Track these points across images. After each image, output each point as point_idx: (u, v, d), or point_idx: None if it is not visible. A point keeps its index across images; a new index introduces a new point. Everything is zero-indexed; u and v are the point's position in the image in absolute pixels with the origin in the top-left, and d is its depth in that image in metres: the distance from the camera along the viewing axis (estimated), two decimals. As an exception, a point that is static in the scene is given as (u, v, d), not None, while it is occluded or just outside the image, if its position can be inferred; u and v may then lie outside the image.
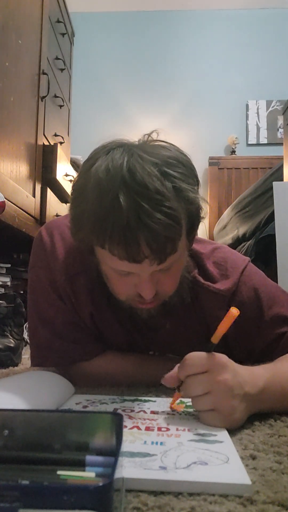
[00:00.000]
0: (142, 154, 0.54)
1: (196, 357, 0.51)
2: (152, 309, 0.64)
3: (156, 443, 0.43)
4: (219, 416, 0.49)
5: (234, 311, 0.53)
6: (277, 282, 1.30)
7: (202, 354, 0.51)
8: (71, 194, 0.61)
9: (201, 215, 0.61)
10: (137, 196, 0.51)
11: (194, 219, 0.60)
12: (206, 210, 0.62)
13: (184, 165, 0.57)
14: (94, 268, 0.66)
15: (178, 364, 0.54)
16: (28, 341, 1.35)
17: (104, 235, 0.53)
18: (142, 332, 0.74)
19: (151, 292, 0.59)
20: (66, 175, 1.97)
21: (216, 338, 0.53)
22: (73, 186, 0.61)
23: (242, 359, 0.60)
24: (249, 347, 0.74)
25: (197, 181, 0.60)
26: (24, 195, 1.48)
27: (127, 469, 0.37)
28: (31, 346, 0.76)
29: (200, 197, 0.59)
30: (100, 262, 0.62)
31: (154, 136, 0.61)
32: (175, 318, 0.72)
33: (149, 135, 0.61)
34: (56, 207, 1.89)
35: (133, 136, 0.62)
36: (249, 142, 3.35)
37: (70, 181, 2.02)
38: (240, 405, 0.50)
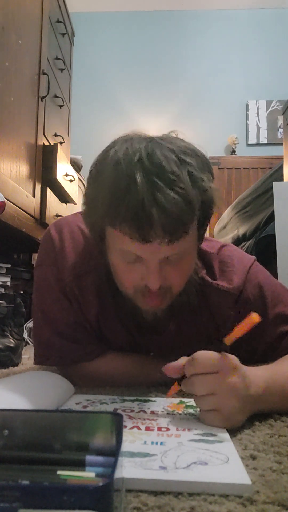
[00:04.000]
0: (160, 142, 0.56)
1: (207, 356, 0.51)
2: (158, 310, 0.63)
3: (156, 443, 0.43)
4: (220, 417, 0.49)
5: (254, 317, 0.51)
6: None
7: (214, 354, 0.51)
8: (88, 179, 0.62)
9: (214, 208, 0.61)
10: (153, 176, 0.53)
11: (207, 210, 0.60)
12: (219, 204, 0.62)
13: (199, 157, 0.58)
14: (103, 267, 0.66)
15: (185, 357, 0.53)
16: (29, 341, 1.35)
17: (118, 212, 0.54)
18: (145, 334, 0.73)
19: (158, 281, 0.58)
20: (66, 175, 1.97)
21: (229, 339, 0.52)
22: (90, 172, 0.62)
23: (245, 359, 0.60)
24: (252, 346, 0.74)
25: (212, 174, 0.60)
26: (24, 195, 1.48)
27: (127, 469, 0.37)
28: (34, 344, 0.77)
29: (215, 189, 0.59)
30: (109, 249, 0.62)
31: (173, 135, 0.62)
32: (179, 320, 0.72)
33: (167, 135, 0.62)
34: (56, 207, 1.89)
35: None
36: (249, 142, 3.36)
37: (70, 181, 2.02)
38: (242, 407, 0.50)
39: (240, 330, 0.52)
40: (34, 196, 1.62)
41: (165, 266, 0.58)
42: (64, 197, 2.02)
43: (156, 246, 0.55)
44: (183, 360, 0.54)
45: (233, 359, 0.51)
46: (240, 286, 0.72)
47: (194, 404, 0.58)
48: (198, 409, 0.55)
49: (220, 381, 0.49)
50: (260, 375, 0.55)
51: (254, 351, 0.74)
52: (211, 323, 0.72)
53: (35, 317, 0.76)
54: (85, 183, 0.63)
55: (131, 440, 0.44)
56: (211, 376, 0.49)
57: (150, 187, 0.52)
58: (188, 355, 0.57)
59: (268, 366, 0.61)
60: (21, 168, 1.48)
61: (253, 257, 0.78)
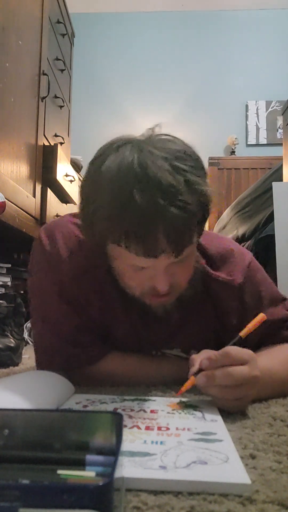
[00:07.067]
0: (151, 149, 0.55)
1: (240, 350, 0.56)
2: (168, 304, 0.65)
3: (156, 442, 0.43)
4: (241, 404, 0.56)
5: (263, 316, 0.63)
6: (276, 282, 1.31)
7: (243, 349, 0.56)
8: (81, 193, 0.61)
9: (210, 207, 0.62)
10: (151, 192, 0.52)
11: (205, 211, 0.61)
12: (214, 200, 0.63)
13: (192, 157, 0.58)
14: (102, 263, 0.66)
15: (200, 355, 0.59)
16: (29, 340, 1.35)
17: (120, 232, 0.55)
18: (150, 324, 0.73)
19: (166, 284, 0.60)
20: (66, 175, 1.97)
21: (245, 334, 0.62)
22: (82, 185, 0.61)
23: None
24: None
25: (205, 172, 0.61)
26: (25, 195, 1.48)
27: (127, 469, 0.37)
28: (36, 352, 0.76)
29: (209, 189, 0.60)
30: (112, 259, 0.63)
31: (157, 130, 0.61)
32: (183, 310, 0.72)
33: (152, 129, 0.61)
34: (56, 207, 1.89)
35: (134, 136, 0.62)
36: (249, 143, 3.36)
37: (70, 181, 2.02)
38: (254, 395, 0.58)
39: (252, 326, 0.62)
40: (34, 196, 1.62)
41: (171, 266, 0.60)
42: (64, 197, 2.02)
43: (162, 258, 0.57)
44: (199, 357, 0.58)
45: (252, 352, 0.57)
46: (240, 282, 0.73)
47: (194, 404, 0.58)
48: (198, 408, 0.56)
49: (251, 373, 0.54)
50: None
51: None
52: (213, 313, 0.73)
53: (35, 325, 0.75)
54: (80, 198, 0.62)
55: (131, 439, 0.44)
56: (244, 367, 0.54)
57: (150, 205, 0.52)
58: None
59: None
60: (22, 169, 1.48)
61: (251, 253, 0.80)
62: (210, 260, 0.74)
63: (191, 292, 0.68)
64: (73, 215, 0.75)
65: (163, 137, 0.59)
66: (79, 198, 0.62)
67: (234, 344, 0.59)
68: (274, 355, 0.70)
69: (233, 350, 0.56)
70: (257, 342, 0.74)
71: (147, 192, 0.52)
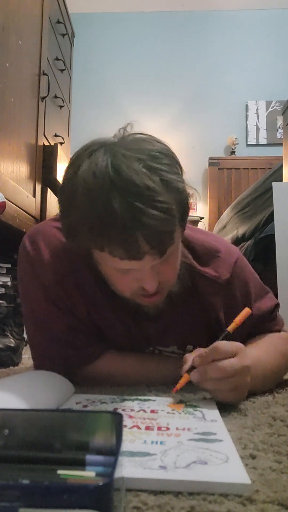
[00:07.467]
0: (125, 152, 0.54)
1: (228, 343, 0.59)
2: (159, 303, 0.66)
3: (156, 442, 0.43)
4: (238, 394, 0.58)
5: (248, 310, 0.65)
6: (276, 282, 1.31)
7: (231, 342, 0.59)
8: (60, 201, 0.61)
9: (190, 202, 0.63)
10: (128, 196, 0.52)
11: (185, 207, 0.60)
12: (193, 194, 0.64)
13: (166, 155, 0.57)
14: (87, 266, 0.67)
15: (191, 354, 0.61)
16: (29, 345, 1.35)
17: (102, 239, 0.55)
18: (140, 323, 0.74)
19: (154, 283, 0.61)
20: (66, 175, 1.97)
21: (232, 328, 0.65)
22: (60, 194, 0.60)
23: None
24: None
25: (181, 168, 0.60)
26: (25, 195, 1.48)
27: (127, 469, 0.37)
28: (32, 355, 0.76)
29: (187, 185, 0.60)
30: (98, 263, 0.63)
31: (128, 129, 0.60)
32: (173, 307, 0.73)
33: (124, 129, 0.60)
34: (56, 207, 1.89)
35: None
36: (249, 143, 3.36)
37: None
38: (249, 385, 0.60)
39: (239, 321, 0.65)
40: (34, 196, 1.62)
41: (157, 265, 0.60)
42: (64, 198, 2.02)
43: (147, 259, 0.57)
44: (191, 356, 0.60)
45: (241, 344, 0.59)
46: (227, 278, 0.73)
47: (194, 404, 0.58)
48: (198, 409, 0.56)
49: (241, 363, 0.57)
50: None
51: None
52: (202, 309, 0.74)
53: (29, 329, 0.76)
54: (59, 206, 0.61)
55: (131, 439, 0.44)
56: (234, 359, 0.57)
57: (128, 209, 0.52)
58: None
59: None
60: (22, 169, 1.48)
61: (238, 249, 0.81)
62: (198, 256, 0.74)
63: (179, 288, 0.69)
64: (55, 219, 0.75)
65: (136, 136, 0.59)
66: (58, 206, 0.61)
67: (223, 339, 0.62)
68: (261, 346, 0.73)
69: (221, 344, 0.58)
70: (245, 335, 0.75)
71: (124, 197, 0.52)
